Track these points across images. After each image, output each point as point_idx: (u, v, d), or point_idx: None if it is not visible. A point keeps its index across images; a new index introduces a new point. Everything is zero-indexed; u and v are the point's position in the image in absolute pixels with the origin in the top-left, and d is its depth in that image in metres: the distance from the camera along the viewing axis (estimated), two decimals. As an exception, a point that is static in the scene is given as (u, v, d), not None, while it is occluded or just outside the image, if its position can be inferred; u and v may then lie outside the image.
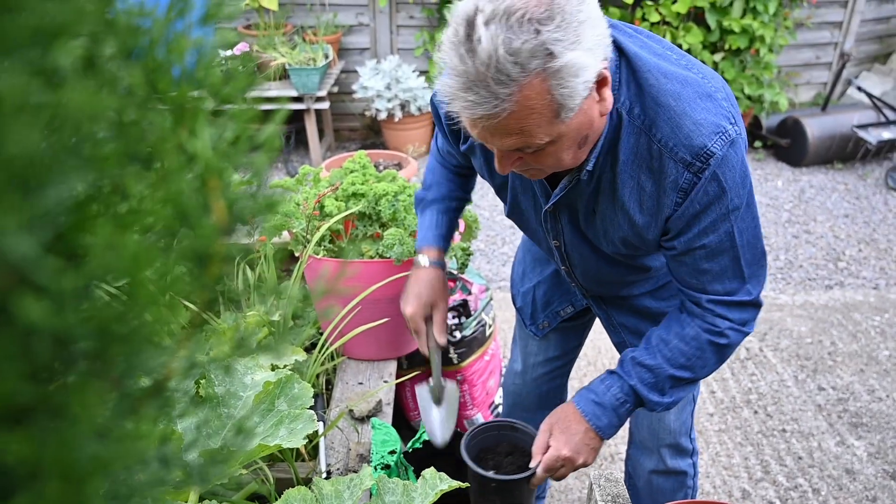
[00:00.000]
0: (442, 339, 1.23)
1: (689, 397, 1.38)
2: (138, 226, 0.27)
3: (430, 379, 1.26)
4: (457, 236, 1.60)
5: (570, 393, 1.59)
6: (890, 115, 4.36)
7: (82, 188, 0.24)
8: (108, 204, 0.28)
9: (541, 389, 1.56)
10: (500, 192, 1.16)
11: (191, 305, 0.29)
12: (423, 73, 4.49)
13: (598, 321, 1.47)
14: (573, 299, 1.39)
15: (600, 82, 0.84)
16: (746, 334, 1.05)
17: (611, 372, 1.11)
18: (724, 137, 0.89)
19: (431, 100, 1.13)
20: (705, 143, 0.89)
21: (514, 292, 1.52)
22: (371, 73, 4.16)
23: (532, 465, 1.12)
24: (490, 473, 1.12)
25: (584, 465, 1.10)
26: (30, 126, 0.20)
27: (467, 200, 1.35)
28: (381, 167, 2.20)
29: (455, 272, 1.80)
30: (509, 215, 1.19)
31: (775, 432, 2.25)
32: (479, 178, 1.27)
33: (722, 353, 1.06)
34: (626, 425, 2.14)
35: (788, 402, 2.38)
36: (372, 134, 4.69)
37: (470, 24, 0.75)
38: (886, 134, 4.19)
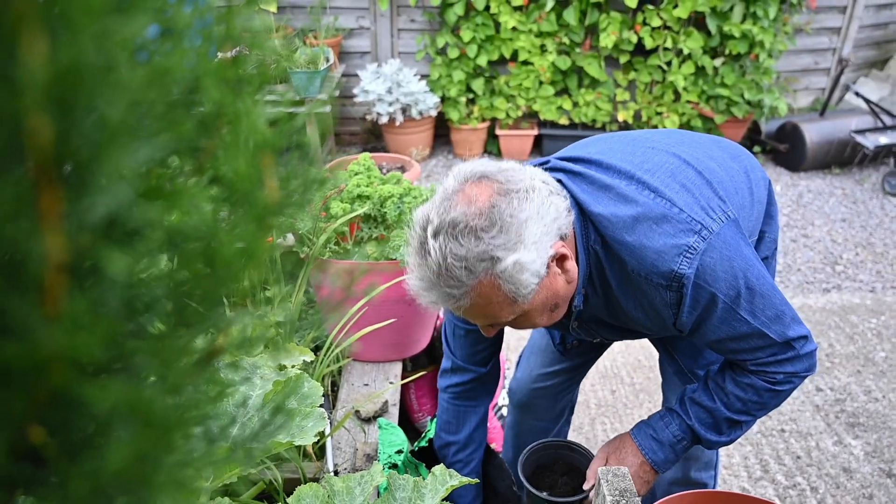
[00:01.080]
0: None
1: None
2: (206, 195, 0.29)
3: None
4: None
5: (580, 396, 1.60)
6: (887, 120, 4.39)
7: (162, 151, 0.26)
8: (182, 171, 0.30)
9: (552, 398, 1.56)
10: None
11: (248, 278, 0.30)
12: (424, 76, 4.51)
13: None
14: None
15: (560, 258, 0.91)
16: (805, 378, 1.06)
17: (669, 409, 1.14)
18: (689, 254, 0.92)
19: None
20: (672, 268, 0.92)
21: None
22: (372, 77, 4.18)
23: (585, 487, 1.14)
24: (544, 494, 1.15)
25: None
26: (125, 84, 0.22)
27: (482, 447, 1.37)
28: (384, 170, 2.22)
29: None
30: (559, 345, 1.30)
31: (774, 432, 2.27)
32: None
33: (780, 396, 1.07)
34: (610, 433, 2.17)
35: (787, 403, 2.40)
36: (373, 138, 4.71)
37: (422, 235, 0.87)
38: (884, 139, 4.23)
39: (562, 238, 0.91)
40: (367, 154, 1.64)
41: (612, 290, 1.02)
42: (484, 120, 4.47)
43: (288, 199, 0.30)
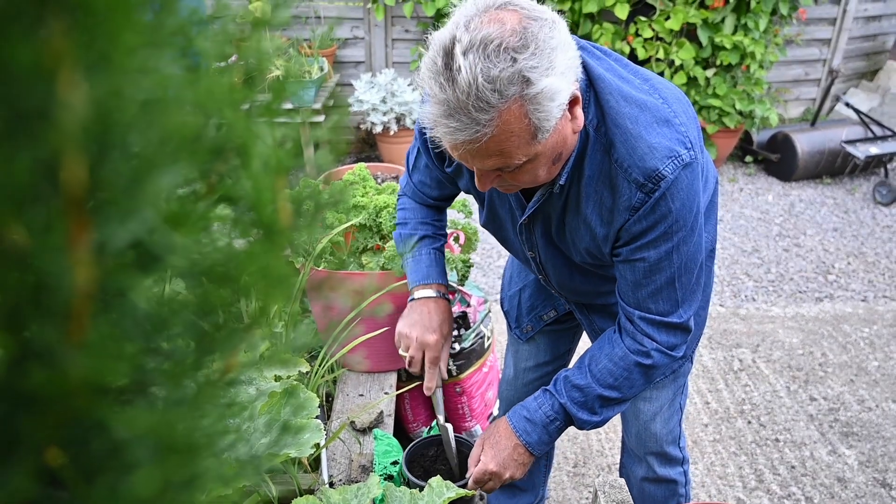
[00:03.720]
0: (444, 374, 1.26)
1: (676, 406, 1.39)
2: (219, 219, 0.30)
3: (441, 417, 1.27)
4: (456, 248, 1.62)
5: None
6: (877, 130, 4.45)
7: (184, 178, 0.26)
8: (199, 196, 0.30)
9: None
10: (481, 205, 1.20)
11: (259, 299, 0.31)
12: (418, 86, 4.52)
13: None
14: (556, 304, 1.42)
15: (572, 102, 0.88)
16: (674, 359, 1.08)
17: (544, 390, 1.15)
18: (676, 161, 0.93)
19: (417, 128, 1.18)
20: (657, 167, 0.93)
21: (502, 296, 1.54)
22: (366, 87, 4.20)
23: (468, 475, 1.15)
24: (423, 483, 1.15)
25: (512, 479, 1.14)
26: (159, 118, 0.22)
27: (446, 237, 1.38)
28: (379, 180, 2.22)
29: (455, 284, 1.82)
30: (485, 225, 1.22)
31: (769, 442, 2.28)
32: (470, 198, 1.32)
33: (648, 374, 1.09)
34: (605, 442, 2.18)
35: (781, 413, 2.41)
36: (367, 147, 4.72)
37: (448, 54, 0.79)
38: (874, 149, 4.27)
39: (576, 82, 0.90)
40: (362, 164, 1.64)
41: (581, 183, 1.00)
42: (478, 130, 4.49)
43: (301, 221, 0.30)
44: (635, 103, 0.95)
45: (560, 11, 4.05)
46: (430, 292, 1.24)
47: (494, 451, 1.13)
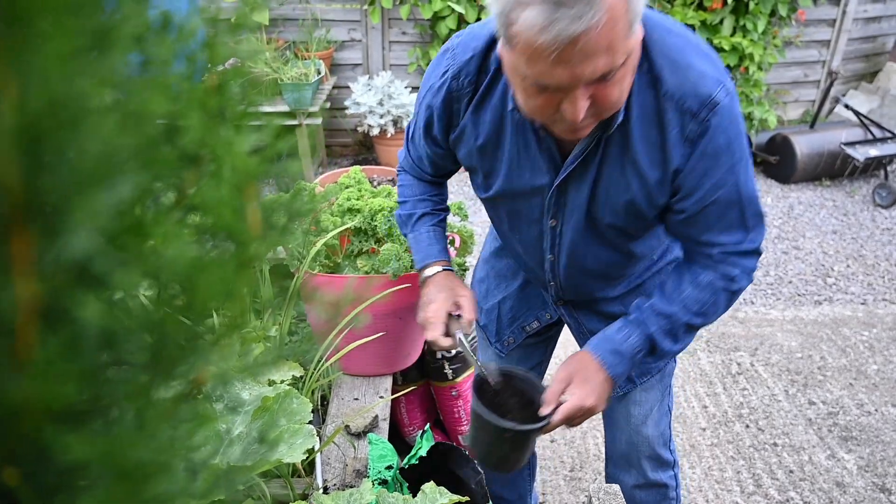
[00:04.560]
0: (471, 316, 1.16)
1: (665, 408, 1.39)
2: (187, 229, 0.30)
3: (481, 370, 1.14)
4: (452, 251, 1.63)
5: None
6: (877, 132, 4.45)
7: (138, 189, 0.26)
8: (161, 206, 0.30)
9: None
10: (489, 175, 1.12)
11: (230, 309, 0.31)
12: (415, 89, 4.54)
13: (562, 336, 1.49)
14: (539, 313, 1.39)
15: None
16: (748, 284, 1.10)
17: (627, 321, 1.12)
18: (725, 89, 0.94)
19: (418, 100, 1.15)
20: (710, 93, 0.92)
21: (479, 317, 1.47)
22: (363, 89, 4.20)
23: (543, 412, 1.07)
24: (508, 424, 1.05)
25: (597, 413, 1.11)
26: (98, 127, 0.22)
27: (448, 210, 1.35)
28: (375, 182, 2.23)
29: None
30: (494, 196, 1.14)
31: (767, 446, 2.28)
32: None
33: (732, 298, 1.10)
34: (601, 446, 2.17)
35: (779, 417, 2.41)
36: (364, 150, 4.72)
37: None
38: (873, 151, 4.28)
39: None
40: (357, 167, 1.64)
41: (630, 124, 0.96)
42: (476, 132, 4.50)
43: (272, 230, 0.30)
44: (678, 35, 0.95)
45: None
46: (437, 269, 1.22)
47: (589, 386, 1.07)
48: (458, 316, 1.16)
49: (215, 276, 0.27)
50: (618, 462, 1.48)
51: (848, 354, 2.77)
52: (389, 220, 1.43)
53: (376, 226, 1.42)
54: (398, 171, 1.33)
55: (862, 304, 3.18)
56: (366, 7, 4.33)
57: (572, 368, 1.11)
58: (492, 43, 1.01)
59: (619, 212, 1.06)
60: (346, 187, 1.56)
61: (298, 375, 1.07)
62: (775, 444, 2.29)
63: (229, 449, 0.87)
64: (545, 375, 1.57)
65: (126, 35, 0.24)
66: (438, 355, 1.70)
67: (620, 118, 0.94)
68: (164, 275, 0.26)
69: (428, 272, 1.22)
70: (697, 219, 1.03)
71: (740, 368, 2.66)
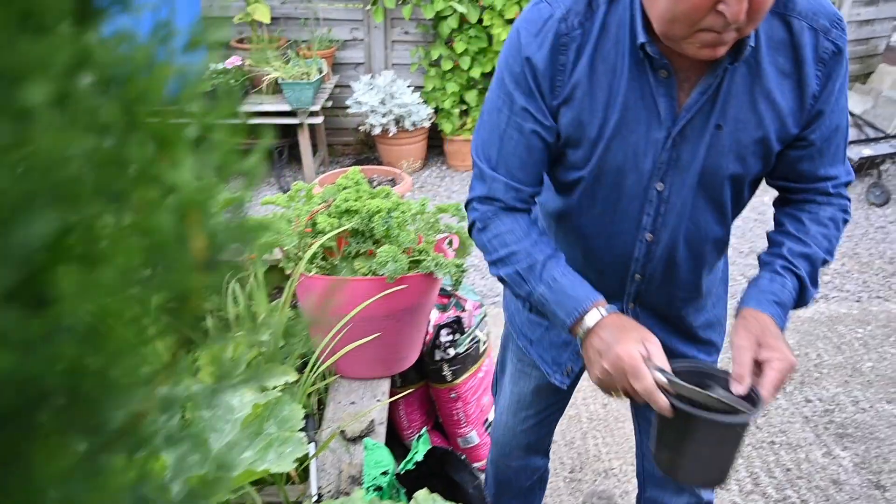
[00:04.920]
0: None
1: None
2: (110, 265, 0.25)
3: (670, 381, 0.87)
4: (450, 252, 1.58)
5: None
6: (871, 132, 4.39)
7: (52, 228, 0.21)
8: (80, 243, 0.25)
9: (529, 439, 1.40)
10: (597, 142, 0.94)
11: (168, 341, 0.26)
12: (417, 88, 4.48)
13: None
14: None
15: None
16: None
17: (773, 269, 0.99)
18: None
19: (493, 103, 0.96)
20: (835, 10, 0.91)
21: (522, 345, 1.28)
22: (365, 89, 4.14)
23: (739, 391, 0.87)
24: (738, 417, 0.85)
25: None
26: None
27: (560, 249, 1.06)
28: (374, 183, 2.18)
29: (449, 289, 1.77)
30: (595, 172, 0.97)
31: (764, 444, 2.23)
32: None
33: (843, 231, 1.05)
34: (601, 447, 2.13)
35: (777, 415, 2.36)
36: (366, 149, 4.67)
37: None
38: (867, 151, 4.22)
39: None
40: (356, 168, 1.59)
41: (759, 54, 0.89)
42: (476, 131, 4.44)
43: (217, 258, 0.25)
44: None
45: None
46: (601, 312, 0.94)
47: (782, 341, 0.91)
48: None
49: (132, 311, 0.22)
50: (661, 483, 1.28)
51: (843, 352, 2.72)
52: (387, 222, 1.38)
53: (374, 227, 1.37)
54: (476, 225, 1.05)
55: (857, 301, 3.13)
56: (368, 7, 4.27)
57: (755, 330, 0.92)
58: None
59: (747, 154, 0.94)
60: (344, 188, 1.51)
61: (293, 380, 1.02)
62: (773, 443, 2.24)
63: (216, 459, 0.82)
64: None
65: (41, 68, 0.19)
66: (437, 357, 1.65)
67: (753, 42, 0.86)
68: (80, 316, 0.21)
69: (591, 319, 0.94)
70: (822, 149, 0.97)
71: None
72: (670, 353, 1.15)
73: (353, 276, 1.35)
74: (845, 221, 1.04)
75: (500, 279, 1.06)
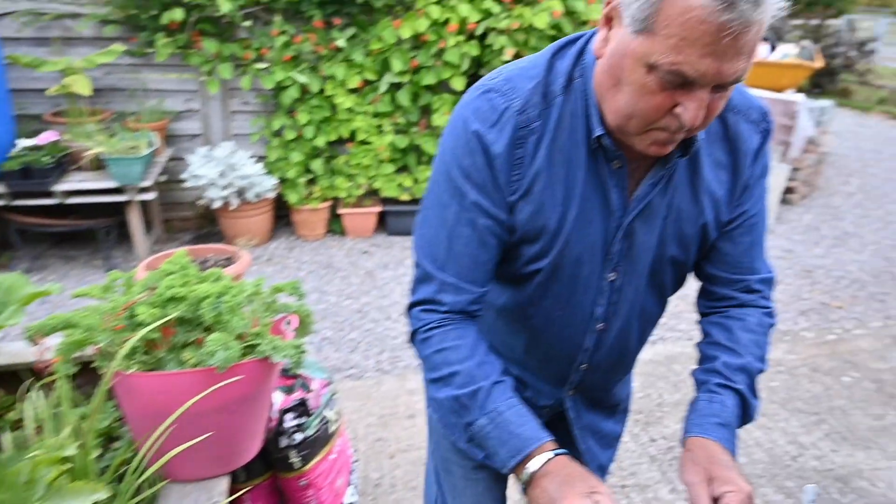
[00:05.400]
0: None
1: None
2: None
3: None
4: (289, 333, 1.56)
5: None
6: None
7: None
8: None
9: None
10: (556, 235, 0.94)
11: None
12: (261, 158, 4.44)
13: None
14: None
15: None
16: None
17: (709, 389, 0.98)
18: None
19: (454, 164, 0.91)
20: (764, 104, 0.98)
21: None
22: (203, 161, 4.04)
23: None
24: None
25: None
26: None
27: (506, 369, 1.01)
28: (210, 263, 2.11)
29: (292, 369, 1.74)
30: (550, 267, 0.97)
31: (616, 489, 2.38)
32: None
33: (772, 336, 1.05)
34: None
35: (627, 458, 2.55)
36: (207, 223, 4.50)
37: None
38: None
39: None
40: (182, 251, 1.55)
41: (700, 148, 0.93)
42: (325, 200, 4.47)
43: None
44: None
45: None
46: (546, 455, 0.88)
47: (734, 470, 0.88)
48: None
49: None
50: None
51: (680, 389, 3.01)
52: (217, 307, 1.35)
53: (202, 314, 1.33)
54: (419, 332, 0.99)
55: (689, 340, 3.50)
56: (202, 78, 4.21)
57: (704, 462, 0.89)
58: (549, 70, 0.91)
59: (690, 243, 0.99)
60: (169, 274, 1.45)
61: (105, 497, 0.94)
62: (624, 486, 2.40)
63: None
64: None
65: None
66: (283, 443, 1.61)
67: (701, 137, 0.91)
68: None
69: (535, 462, 0.87)
70: (751, 229, 1.02)
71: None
72: (598, 433, 1.19)
73: (180, 370, 1.30)
74: (772, 326, 1.05)
75: (439, 403, 0.98)
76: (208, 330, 1.38)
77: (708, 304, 1.10)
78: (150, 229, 4.10)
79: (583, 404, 1.17)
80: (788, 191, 5.78)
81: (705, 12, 0.70)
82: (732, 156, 0.96)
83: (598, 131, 0.88)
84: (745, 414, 0.99)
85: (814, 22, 12.33)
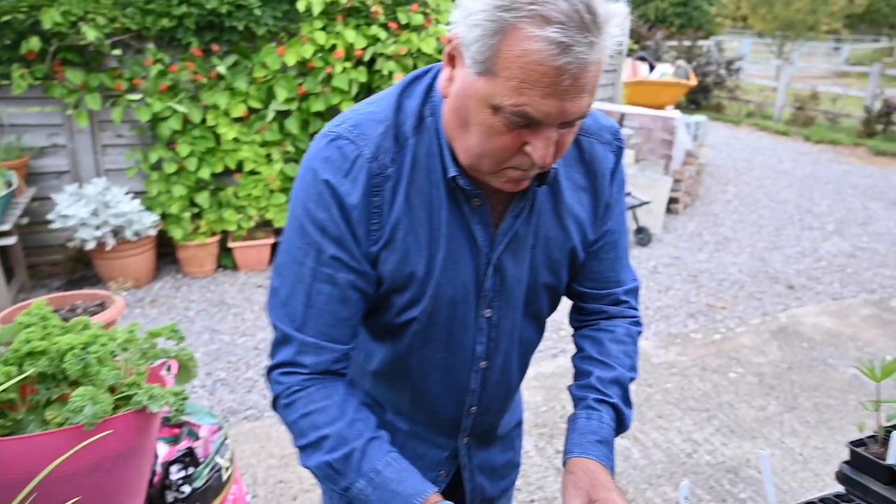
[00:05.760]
0: None
1: None
2: None
3: None
4: (169, 380, 1.51)
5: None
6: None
7: None
8: None
9: None
10: (426, 281, 0.94)
11: None
12: (139, 194, 4.24)
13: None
14: (435, 475, 1.16)
15: None
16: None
17: (589, 406, 1.01)
18: None
19: (308, 220, 0.89)
20: (614, 123, 1.02)
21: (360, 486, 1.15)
22: (72, 200, 3.81)
23: None
24: None
25: None
26: None
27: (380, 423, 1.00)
28: (79, 310, 2.00)
29: (173, 418, 1.67)
30: (425, 314, 0.96)
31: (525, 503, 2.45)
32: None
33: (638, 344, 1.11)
34: None
35: (533, 472, 2.62)
36: (81, 266, 4.23)
37: None
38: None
39: None
40: (41, 300, 1.46)
41: (558, 173, 0.96)
42: (213, 234, 4.33)
43: None
44: None
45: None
46: None
47: (614, 490, 0.88)
48: None
49: None
50: None
51: (582, 400, 3.15)
52: (83, 359, 1.28)
53: (66, 368, 1.26)
54: (282, 393, 0.95)
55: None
56: (69, 111, 3.99)
57: (584, 484, 0.91)
58: (398, 110, 0.90)
59: (560, 268, 1.03)
60: (27, 326, 1.37)
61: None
62: (532, 501, 2.47)
63: None
64: None
65: None
66: (170, 498, 1.53)
67: (558, 164, 0.93)
68: None
69: None
70: (614, 244, 1.06)
71: (496, 434, 2.86)
72: (492, 470, 1.19)
73: (43, 430, 1.22)
74: (639, 333, 1.11)
75: (312, 471, 0.94)
76: (75, 384, 1.31)
77: (579, 319, 1.15)
78: (13, 277, 3.79)
79: (475, 448, 1.17)
80: (673, 201, 6.23)
81: (542, 56, 0.71)
82: (591, 178, 1.00)
83: (452, 172, 0.88)
84: (621, 425, 1.03)
85: (686, 43, 13.45)
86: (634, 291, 1.14)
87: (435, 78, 0.92)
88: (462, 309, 0.97)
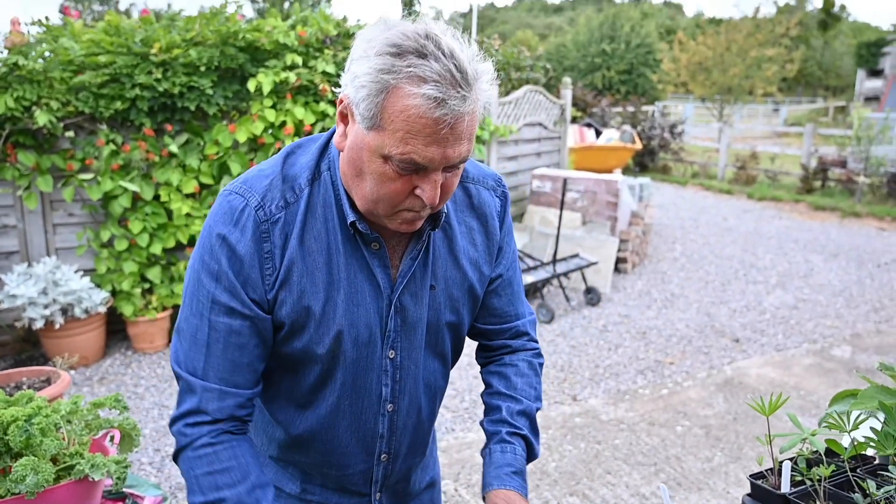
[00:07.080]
0: None
1: None
2: None
3: None
4: (112, 449, 1.58)
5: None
6: (530, 262, 5.53)
7: None
8: None
9: None
10: (322, 322, 1.00)
11: None
12: (89, 271, 4.29)
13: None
14: None
15: None
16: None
17: (501, 438, 1.12)
18: None
19: (202, 274, 0.96)
20: (495, 172, 1.17)
21: None
22: (21, 280, 3.84)
23: None
24: None
25: None
26: None
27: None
28: (24, 387, 2.05)
29: (115, 488, 1.72)
30: (330, 350, 1.02)
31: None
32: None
33: (541, 375, 1.23)
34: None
35: (485, 534, 2.68)
36: (29, 346, 4.21)
37: (431, 38, 0.85)
38: (530, 278, 5.28)
39: None
40: (-13, 378, 1.54)
41: (450, 218, 1.08)
42: (165, 308, 4.37)
43: None
44: None
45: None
46: None
47: None
48: None
49: None
50: None
51: (534, 459, 3.23)
52: (26, 431, 1.36)
53: (9, 440, 1.34)
54: (187, 446, 0.98)
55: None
56: (20, 192, 4.06)
57: None
58: (284, 165, 1.01)
59: (460, 306, 1.12)
60: (-28, 403, 1.44)
61: None
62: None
63: None
64: None
65: None
66: (110, 570, 1.57)
67: (447, 210, 1.06)
68: None
69: None
70: (511, 280, 1.18)
71: (446, 497, 2.91)
72: None
73: (-15, 502, 1.28)
74: (541, 365, 1.23)
75: None
76: (18, 456, 1.38)
77: (485, 356, 1.27)
78: (-44, 361, 3.76)
79: (396, 496, 1.23)
80: (621, 261, 6.50)
81: (421, 110, 0.83)
82: (481, 220, 1.14)
83: (351, 218, 0.98)
84: (531, 454, 1.15)
85: (631, 109, 14.22)
86: (533, 323, 1.28)
87: (329, 138, 1.05)
88: (366, 350, 1.05)
